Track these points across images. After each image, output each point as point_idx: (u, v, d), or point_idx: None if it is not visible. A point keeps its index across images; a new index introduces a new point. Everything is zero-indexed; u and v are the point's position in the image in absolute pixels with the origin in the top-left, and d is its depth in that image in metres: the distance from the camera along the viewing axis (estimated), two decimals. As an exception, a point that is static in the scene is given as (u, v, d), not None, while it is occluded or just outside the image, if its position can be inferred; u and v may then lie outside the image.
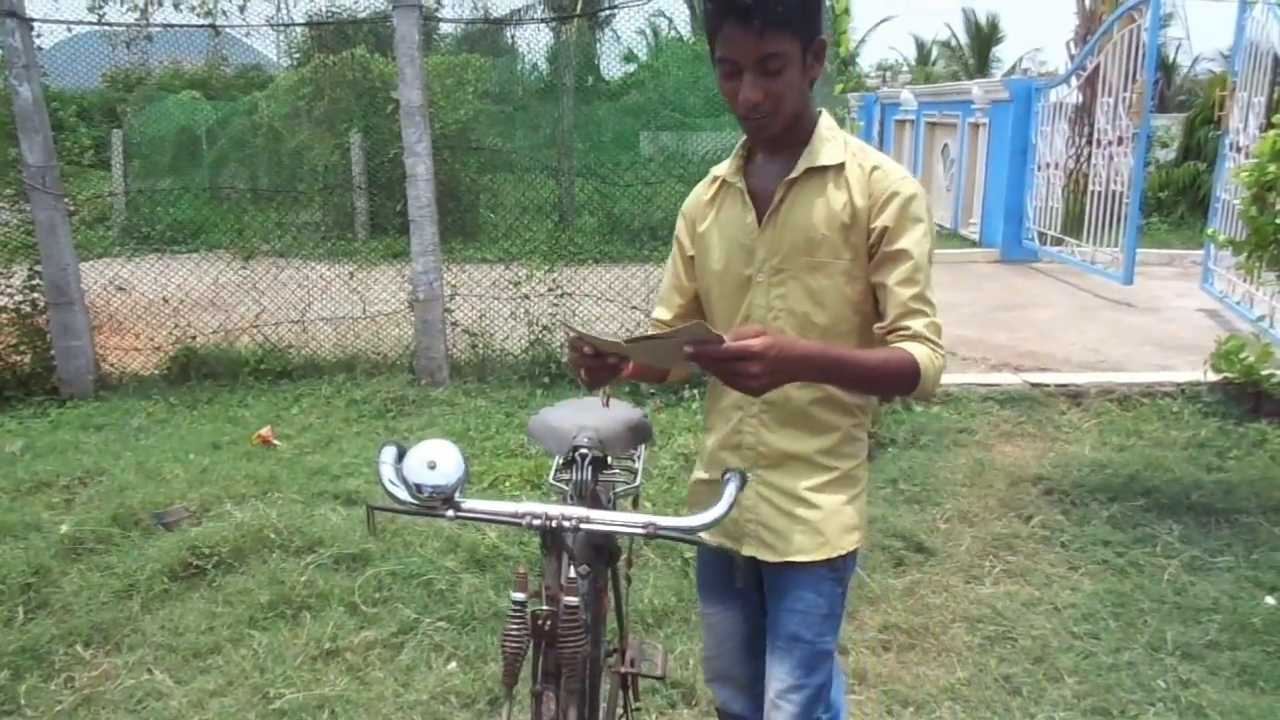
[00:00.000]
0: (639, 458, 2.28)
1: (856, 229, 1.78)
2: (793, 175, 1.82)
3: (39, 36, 6.17)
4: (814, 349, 1.63)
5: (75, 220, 6.69)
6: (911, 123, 15.49)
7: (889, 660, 3.28)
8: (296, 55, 15.06)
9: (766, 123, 1.75)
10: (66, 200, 6.33)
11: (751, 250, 1.86)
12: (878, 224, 1.76)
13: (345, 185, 11.29)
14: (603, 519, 1.69)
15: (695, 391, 5.74)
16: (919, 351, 1.68)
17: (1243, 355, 5.40)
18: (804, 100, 1.79)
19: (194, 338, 6.78)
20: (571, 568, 1.73)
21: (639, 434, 2.20)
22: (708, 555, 2.12)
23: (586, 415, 2.12)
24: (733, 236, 1.90)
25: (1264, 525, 4.13)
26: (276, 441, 5.33)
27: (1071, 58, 11.99)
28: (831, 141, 1.82)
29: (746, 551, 1.94)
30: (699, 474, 2.09)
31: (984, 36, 29.74)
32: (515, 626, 1.67)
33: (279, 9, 8.55)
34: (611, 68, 14.54)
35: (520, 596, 1.69)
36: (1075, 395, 5.69)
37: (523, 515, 1.67)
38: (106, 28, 6.66)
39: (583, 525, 1.67)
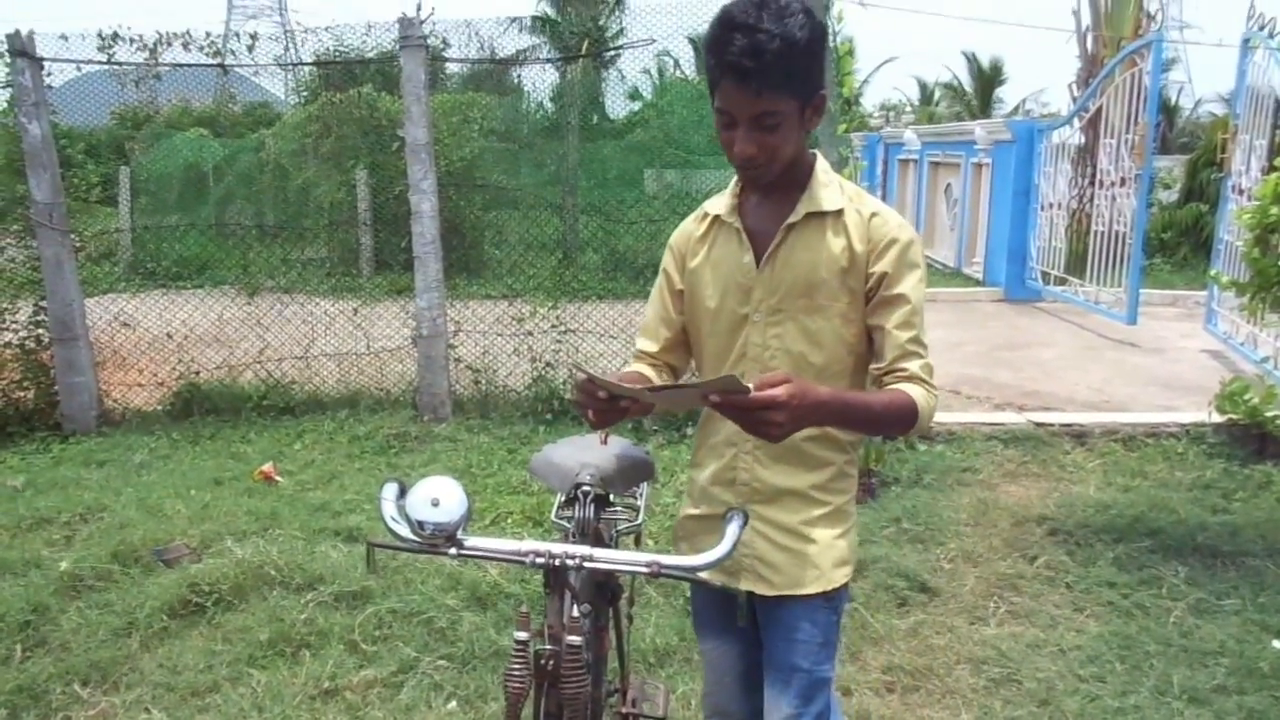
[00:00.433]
0: (641, 495, 2.28)
1: (855, 273, 1.82)
2: (793, 220, 1.84)
3: (49, 75, 6.23)
4: (829, 395, 1.66)
5: (81, 256, 6.73)
6: (915, 162, 15.60)
7: (893, 702, 3.23)
8: (304, 93, 15.21)
9: (761, 173, 1.79)
10: (73, 236, 6.38)
11: (749, 290, 1.88)
12: (877, 269, 1.81)
13: (350, 222, 11.36)
14: (606, 557, 1.68)
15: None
16: (916, 392, 1.76)
17: (1247, 396, 5.40)
18: (800, 148, 1.82)
19: (197, 373, 6.79)
20: (575, 606, 1.72)
21: (641, 471, 2.20)
22: (703, 590, 2.11)
23: (589, 453, 2.12)
24: (729, 275, 1.91)
25: (1270, 568, 4.09)
26: (278, 477, 5.32)
27: (1074, 99, 12.07)
28: (829, 186, 1.86)
29: (744, 586, 1.94)
30: (689, 509, 2.09)
31: (987, 78, 30.03)
32: (518, 666, 1.66)
33: (287, 49, 8.60)
34: (616, 106, 14.70)
35: (523, 635, 1.68)
36: (1079, 435, 5.67)
37: (526, 553, 1.66)
38: (116, 67, 6.71)
39: (586, 564, 1.66)
